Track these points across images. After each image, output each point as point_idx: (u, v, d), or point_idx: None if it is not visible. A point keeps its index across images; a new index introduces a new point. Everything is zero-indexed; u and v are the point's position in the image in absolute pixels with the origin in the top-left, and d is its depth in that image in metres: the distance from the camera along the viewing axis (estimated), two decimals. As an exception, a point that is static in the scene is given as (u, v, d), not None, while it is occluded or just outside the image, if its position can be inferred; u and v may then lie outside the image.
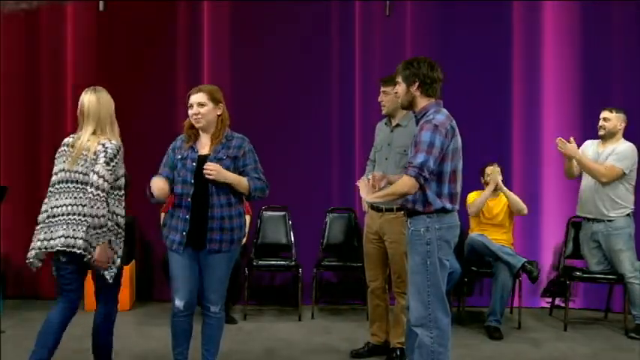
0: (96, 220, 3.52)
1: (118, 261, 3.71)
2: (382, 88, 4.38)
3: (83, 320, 5.31)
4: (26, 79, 5.95)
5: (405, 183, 3.31)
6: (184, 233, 3.59)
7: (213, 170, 3.50)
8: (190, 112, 3.60)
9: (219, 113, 3.63)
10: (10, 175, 5.84)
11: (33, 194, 5.95)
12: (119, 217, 3.69)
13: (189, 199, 3.57)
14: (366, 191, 3.51)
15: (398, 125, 4.34)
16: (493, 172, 5.36)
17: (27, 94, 5.95)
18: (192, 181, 3.57)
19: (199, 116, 3.58)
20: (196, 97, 3.60)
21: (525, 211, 5.41)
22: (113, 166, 3.57)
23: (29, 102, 5.95)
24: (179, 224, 3.61)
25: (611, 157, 5.18)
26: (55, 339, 3.76)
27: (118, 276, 3.78)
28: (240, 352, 4.55)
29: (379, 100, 4.42)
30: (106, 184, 3.53)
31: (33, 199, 5.94)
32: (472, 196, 5.54)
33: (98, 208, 3.51)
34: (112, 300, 3.90)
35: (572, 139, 5.20)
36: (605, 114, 5.27)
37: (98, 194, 3.50)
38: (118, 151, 3.61)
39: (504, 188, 5.37)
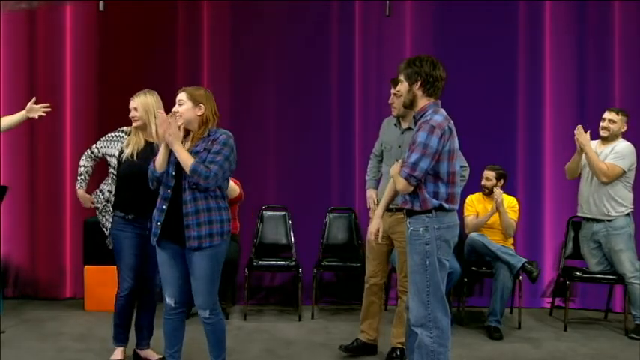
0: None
1: (104, 230, 4.27)
2: (393, 90, 4.34)
3: (83, 320, 5.34)
4: (26, 79, 5.94)
5: (398, 182, 3.38)
6: (159, 224, 3.58)
7: (166, 123, 3.52)
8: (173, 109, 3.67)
9: (199, 114, 3.61)
10: (10, 175, 5.83)
11: (33, 194, 5.97)
12: (106, 192, 4.24)
13: (169, 191, 3.58)
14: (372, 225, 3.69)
15: (409, 129, 4.30)
16: (498, 195, 5.30)
17: (27, 93, 5.93)
18: (174, 173, 3.58)
19: (177, 114, 3.60)
20: (178, 96, 3.65)
21: (512, 232, 5.42)
22: (102, 140, 4.26)
23: (28, 102, 5.93)
24: (156, 214, 3.62)
25: (610, 156, 5.17)
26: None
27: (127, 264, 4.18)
28: (240, 352, 4.55)
29: (390, 101, 4.39)
30: (93, 146, 4.29)
31: (33, 199, 5.97)
32: (471, 200, 5.54)
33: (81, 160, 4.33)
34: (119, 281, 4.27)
35: (588, 131, 5.18)
36: (611, 115, 5.23)
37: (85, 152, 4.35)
38: (112, 133, 4.25)
39: (502, 211, 5.33)
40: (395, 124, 4.43)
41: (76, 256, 5.94)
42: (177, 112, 3.58)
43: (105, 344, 4.66)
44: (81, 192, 4.30)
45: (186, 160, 3.48)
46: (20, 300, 5.87)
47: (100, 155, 4.26)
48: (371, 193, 4.56)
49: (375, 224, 3.68)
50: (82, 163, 4.30)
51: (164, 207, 3.58)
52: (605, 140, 5.26)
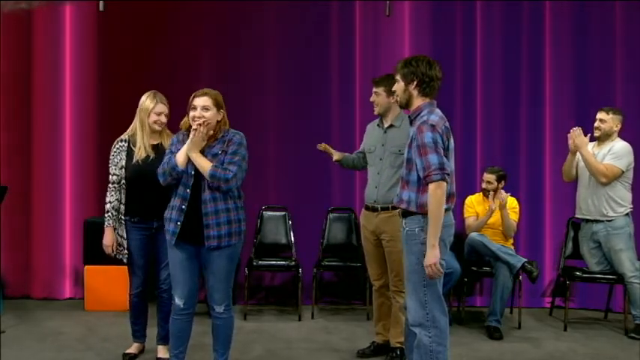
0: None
1: (124, 243, 4.16)
2: (374, 89, 4.41)
3: (83, 320, 5.34)
4: (25, 79, 5.94)
5: (435, 191, 3.26)
6: (178, 223, 3.59)
7: (201, 124, 3.53)
8: (193, 114, 3.59)
9: (219, 118, 3.64)
10: (10, 175, 5.82)
11: (32, 194, 5.97)
12: (121, 204, 4.17)
13: (188, 190, 3.59)
14: (428, 257, 3.32)
15: (391, 126, 4.36)
16: (501, 196, 5.28)
17: (26, 93, 5.95)
18: (193, 172, 3.59)
19: (202, 120, 3.57)
20: (201, 101, 3.60)
21: (512, 233, 5.42)
22: (111, 162, 4.18)
23: (28, 102, 5.94)
24: (174, 214, 3.62)
25: (608, 156, 5.17)
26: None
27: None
28: (240, 352, 4.54)
29: (371, 100, 4.44)
30: (109, 176, 4.16)
31: (32, 199, 5.97)
32: (470, 201, 5.53)
33: (106, 195, 4.16)
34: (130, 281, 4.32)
35: (588, 134, 5.17)
36: (601, 115, 5.24)
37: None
38: (113, 149, 4.19)
39: (505, 214, 5.32)
40: (377, 125, 4.48)
41: (76, 256, 5.94)
42: (202, 117, 3.56)
43: (105, 344, 4.67)
44: (109, 231, 4.15)
45: (204, 166, 3.53)
46: (20, 300, 5.87)
47: (120, 175, 4.12)
48: (328, 149, 4.76)
49: (435, 254, 3.30)
50: (107, 199, 4.14)
51: (183, 207, 3.59)
52: (600, 140, 5.26)
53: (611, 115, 5.22)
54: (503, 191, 5.34)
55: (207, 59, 6.01)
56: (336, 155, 4.71)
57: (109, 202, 4.13)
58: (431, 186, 3.27)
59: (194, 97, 3.63)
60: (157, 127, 4.15)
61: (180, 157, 3.59)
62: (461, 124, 5.91)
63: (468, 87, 6.00)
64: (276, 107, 6.06)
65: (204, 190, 3.56)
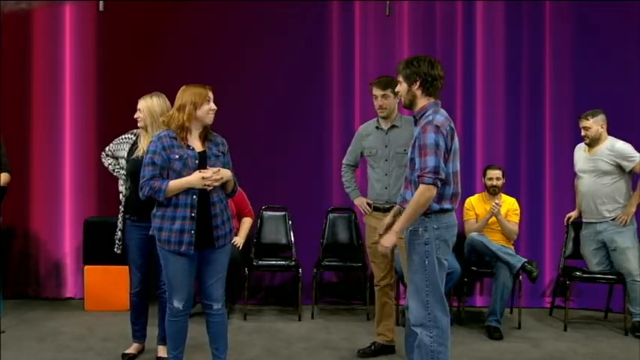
0: None
1: (119, 234, 4.26)
2: (382, 92, 4.36)
3: (83, 320, 5.34)
4: (25, 79, 5.94)
5: (423, 193, 3.28)
6: (193, 232, 3.54)
7: (222, 175, 3.57)
8: (208, 107, 3.63)
9: None
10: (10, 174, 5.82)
11: (32, 194, 5.97)
12: (121, 194, 4.26)
13: (195, 197, 3.54)
14: (387, 238, 3.45)
15: (393, 127, 4.37)
16: (495, 207, 5.29)
17: (26, 93, 5.95)
18: None
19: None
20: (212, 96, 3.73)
21: (515, 237, 5.44)
22: (113, 143, 4.32)
23: (28, 102, 5.95)
24: (185, 224, 3.52)
25: (624, 163, 5.13)
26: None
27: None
28: (240, 352, 4.55)
29: (380, 103, 4.37)
30: (106, 148, 4.38)
31: (32, 198, 5.97)
32: (470, 204, 5.53)
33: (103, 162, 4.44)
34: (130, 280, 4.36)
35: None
36: (582, 123, 5.25)
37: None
38: (123, 135, 4.30)
39: (501, 218, 5.34)
40: (376, 127, 4.46)
41: (76, 256, 5.94)
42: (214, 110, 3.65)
43: (105, 344, 4.67)
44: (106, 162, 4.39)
45: (232, 180, 3.67)
46: (20, 300, 5.87)
47: (110, 154, 4.35)
48: (361, 201, 4.56)
49: (392, 240, 3.44)
50: (105, 164, 4.38)
51: (193, 214, 3.53)
52: (591, 146, 5.27)
53: (591, 120, 5.22)
54: (493, 202, 5.33)
55: (207, 59, 6.01)
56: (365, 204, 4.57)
57: (110, 163, 4.36)
58: (421, 186, 3.29)
59: (210, 91, 3.72)
60: (139, 124, 4.18)
61: (172, 190, 3.51)
62: (461, 124, 5.92)
63: (468, 87, 6.01)
64: (276, 107, 6.06)
65: (212, 193, 3.57)
